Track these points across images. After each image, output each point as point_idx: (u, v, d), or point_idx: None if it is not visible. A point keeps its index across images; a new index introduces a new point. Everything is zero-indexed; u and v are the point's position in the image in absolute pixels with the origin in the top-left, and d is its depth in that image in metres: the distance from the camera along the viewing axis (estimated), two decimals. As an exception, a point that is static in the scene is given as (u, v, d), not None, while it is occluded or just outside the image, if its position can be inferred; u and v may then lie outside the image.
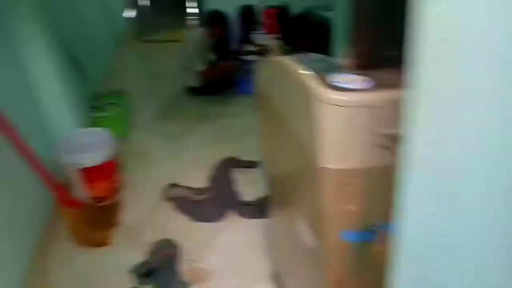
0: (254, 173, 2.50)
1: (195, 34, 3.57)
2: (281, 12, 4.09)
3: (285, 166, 1.07)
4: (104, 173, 2.08)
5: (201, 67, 3.47)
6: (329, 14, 2.83)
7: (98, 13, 4.44)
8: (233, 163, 2.55)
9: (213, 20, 3.52)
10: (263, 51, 4.31)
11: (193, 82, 3.61)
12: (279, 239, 1.41)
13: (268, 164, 1.35)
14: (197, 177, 2.43)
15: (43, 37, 2.02)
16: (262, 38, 5.28)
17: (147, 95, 3.77)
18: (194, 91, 3.67)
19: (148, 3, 9.21)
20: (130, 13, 6.45)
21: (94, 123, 2.64)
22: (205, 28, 3.56)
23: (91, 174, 2.03)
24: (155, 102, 3.58)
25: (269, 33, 5.80)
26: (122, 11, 5.77)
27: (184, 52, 3.62)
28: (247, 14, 4.12)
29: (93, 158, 2.01)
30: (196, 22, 6.41)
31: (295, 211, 1.02)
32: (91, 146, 2.12)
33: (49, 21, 2.13)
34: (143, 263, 1.73)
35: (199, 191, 2.27)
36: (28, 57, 2.02)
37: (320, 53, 3.00)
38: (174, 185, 2.28)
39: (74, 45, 2.60)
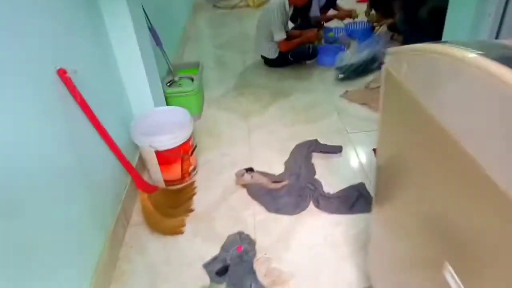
0: (337, 159, 2.23)
1: (275, 0, 3.25)
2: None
3: (434, 192, 0.77)
4: (179, 156, 1.98)
5: (279, 36, 3.18)
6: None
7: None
8: (314, 147, 2.30)
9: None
10: (347, 17, 3.88)
11: (269, 52, 3.35)
12: (389, 256, 1.15)
13: (390, 166, 1.06)
14: (273, 161, 2.24)
15: (128, 5, 1.90)
16: (348, 2, 4.77)
17: (220, 66, 3.62)
18: (270, 62, 3.42)
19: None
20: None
21: (169, 99, 2.55)
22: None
23: (167, 156, 1.94)
24: (228, 75, 3.41)
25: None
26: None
27: (261, 20, 3.34)
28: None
29: (170, 141, 1.91)
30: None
31: (440, 252, 0.74)
32: (168, 127, 2.02)
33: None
34: (217, 259, 1.61)
35: (276, 178, 2.08)
36: (112, 27, 1.93)
37: (426, 25, 2.51)
38: (249, 170, 2.11)
39: (151, 15, 2.47)
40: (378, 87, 2.98)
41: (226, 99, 3.00)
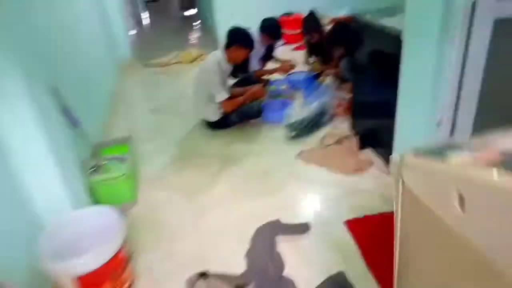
0: (306, 241, 1.88)
1: (211, 58, 2.96)
2: (308, 19, 3.47)
3: None
4: (109, 275, 1.50)
5: (221, 97, 2.87)
6: (389, 21, 2.20)
7: (97, 40, 3.92)
8: (277, 230, 1.93)
9: (234, 39, 2.89)
10: (288, 68, 3.71)
11: (211, 115, 3.02)
12: None
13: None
14: (231, 254, 1.83)
15: (20, 82, 1.46)
16: (285, 51, 4.67)
17: (156, 134, 3.18)
18: (212, 125, 3.07)
19: (149, 21, 8.75)
20: (131, 34, 5.96)
21: (94, 191, 2.07)
22: (224, 50, 2.94)
23: (92, 280, 1.45)
24: (167, 144, 2.99)
25: (292, 44, 5.14)
26: (123, 34, 5.22)
27: (198, 81, 3.02)
28: (269, 28, 3.50)
29: (95, 260, 1.44)
30: (204, 41, 5.83)
31: None
32: (91, 238, 1.55)
33: (31, 59, 1.59)
34: None
35: (238, 281, 1.65)
36: (3, 121, 1.46)
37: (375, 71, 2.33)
38: (203, 275, 1.67)
39: (66, 87, 2.04)
40: (333, 143, 2.62)
41: (166, 176, 2.56)
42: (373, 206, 2.04)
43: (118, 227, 1.59)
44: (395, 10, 2.34)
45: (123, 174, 2.14)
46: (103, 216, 1.66)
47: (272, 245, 1.84)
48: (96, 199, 2.10)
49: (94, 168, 2.18)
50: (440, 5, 1.65)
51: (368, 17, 2.38)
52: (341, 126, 2.88)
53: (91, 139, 2.38)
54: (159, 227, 2.08)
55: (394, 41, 2.01)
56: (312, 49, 3.75)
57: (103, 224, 1.62)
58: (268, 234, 1.89)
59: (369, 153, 2.50)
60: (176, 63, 4.98)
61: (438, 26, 1.69)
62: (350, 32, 2.70)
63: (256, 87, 3.13)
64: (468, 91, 1.76)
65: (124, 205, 2.21)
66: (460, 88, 1.78)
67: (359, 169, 2.34)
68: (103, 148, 2.42)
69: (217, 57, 2.92)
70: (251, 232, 1.94)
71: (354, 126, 2.79)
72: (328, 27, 3.51)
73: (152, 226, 2.09)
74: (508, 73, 1.71)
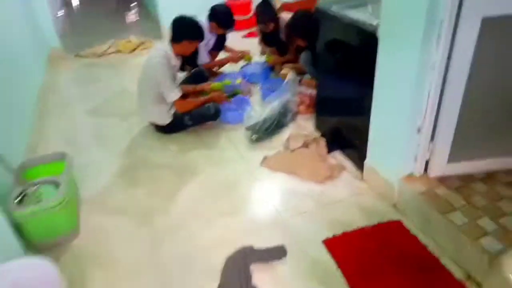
0: (284, 267, 1.67)
1: (157, 52, 2.57)
2: (262, 7, 3.19)
3: None
4: None
5: (173, 96, 2.54)
6: (356, 12, 2.00)
7: (16, 27, 3.30)
8: (250, 256, 1.69)
9: (181, 31, 2.54)
10: (238, 58, 3.43)
11: (161, 117, 2.66)
12: None
13: None
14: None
15: None
16: (234, 39, 4.32)
17: (97, 143, 2.76)
18: (163, 128, 2.72)
19: (78, 2, 7.84)
20: (58, 18, 5.23)
21: (23, 226, 1.68)
22: (170, 43, 2.59)
23: None
24: (111, 154, 2.59)
25: (241, 31, 4.79)
26: (49, 18, 4.48)
27: (143, 79, 2.63)
28: (219, 15, 3.18)
29: None
30: (144, 26, 5.27)
31: None
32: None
33: None
34: None
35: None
36: None
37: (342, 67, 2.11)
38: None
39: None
40: (300, 147, 2.34)
41: (113, 195, 2.19)
42: (350, 220, 1.88)
43: (56, 284, 1.25)
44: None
45: (60, 203, 1.75)
46: (35, 270, 1.31)
47: (247, 277, 1.60)
48: (26, 236, 1.72)
49: (21, 197, 1.78)
50: (424, 1, 1.47)
51: (334, 8, 2.17)
52: (305, 125, 2.69)
53: (14, 158, 1.94)
54: (108, 263, 1.74)
55: (367, 36, 1.82)
56: (267, 39, 3.49)
57: (35, 281, 1.28)
58: (242, 265, 1.65)
59: (338, 157, 2.34)
60: (113, 52, 4.45)
61: (421, 25, 1.51)
62: (312, 22, 2.47)
63: (217, 93, 2.82)
64: (450, 96, 1.63)
65: (62, 238, 1.84)
66: (442, 92, 1.64)
67: (331, 175, 2.17)
68: (30, 168, 1.99)
69: (164, 50, 2.56)
70: (220, 262, 1.69)
71: (319, 126, 2.61)
72: (283, 15, 3.26)
73: (100, 262, 1.75)
74: (494, 78, 1.60)
